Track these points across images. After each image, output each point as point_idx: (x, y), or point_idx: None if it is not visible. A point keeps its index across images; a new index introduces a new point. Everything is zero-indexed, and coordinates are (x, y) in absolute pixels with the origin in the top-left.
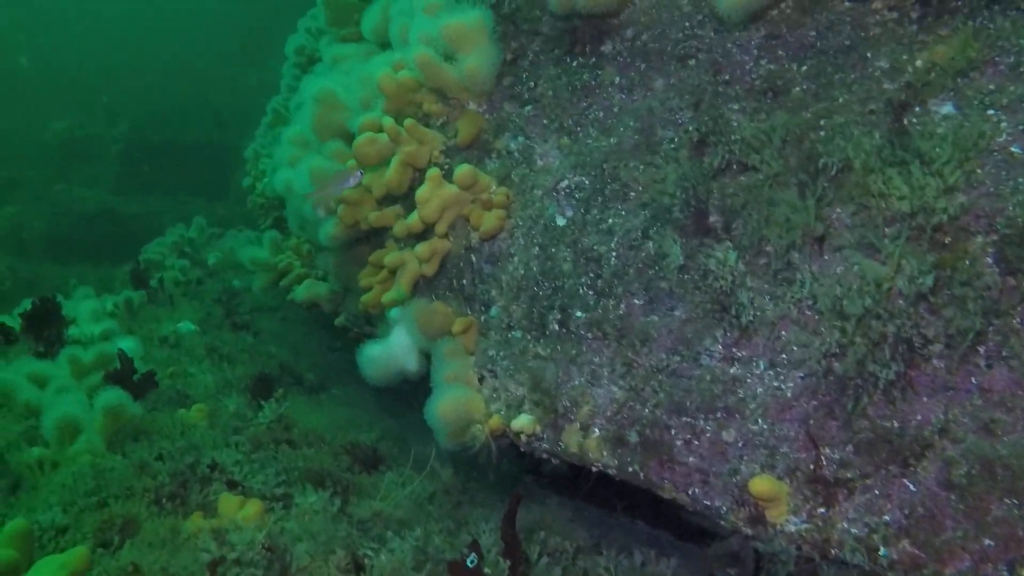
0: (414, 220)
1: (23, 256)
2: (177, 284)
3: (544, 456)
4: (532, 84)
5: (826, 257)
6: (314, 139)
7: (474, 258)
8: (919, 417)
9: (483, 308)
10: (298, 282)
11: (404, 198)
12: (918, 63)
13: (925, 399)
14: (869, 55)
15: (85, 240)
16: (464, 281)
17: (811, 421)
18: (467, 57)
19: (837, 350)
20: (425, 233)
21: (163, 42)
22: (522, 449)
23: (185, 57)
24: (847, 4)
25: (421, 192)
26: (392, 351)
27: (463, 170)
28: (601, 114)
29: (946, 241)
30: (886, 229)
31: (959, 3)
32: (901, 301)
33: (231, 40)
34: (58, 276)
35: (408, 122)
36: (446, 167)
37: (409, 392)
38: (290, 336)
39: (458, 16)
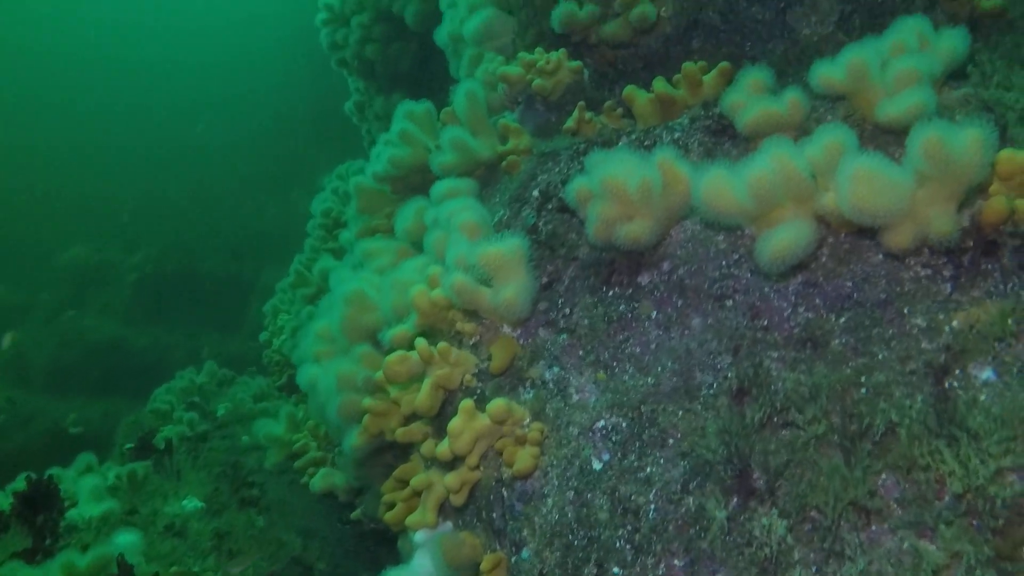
0: (444, 450)
1: (24, 386)
2: (184, 439)
3: None
4: (567, 311)
5: (874, 528)
6: (342, 339)
7: (505, 493)
8: None
9: (514, 548)
10: (314, 465)
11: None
12: (955, 323)
13: None
14: (906, 311)
15: (90, 372)
16: (494, 514)
17: None
18: (504, 287)
19: None
20: (454, 461)
21: (183, 170)
22: None
23: (203, 187)
24: (880, 256)
25: (454, 425)
26: None
27: (497, 405)
28: (638, 350)
29: (1002, 527)
30: (938, 506)
31: (990, 267)
32: None
33: (249, 171)
34: (58, 410)
35: (441, 346)
36: (478, 391)
37: None
38: (299, 506)
39: (496, 245)
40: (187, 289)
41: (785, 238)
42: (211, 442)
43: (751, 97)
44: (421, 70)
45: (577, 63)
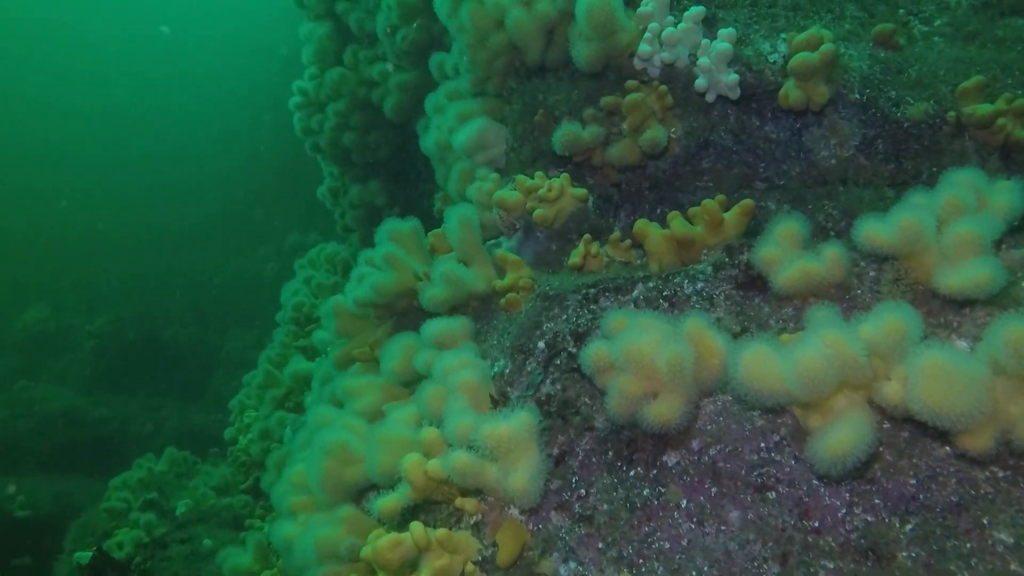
0: None
1: None
2: (140, 547)
3: None
4: (583, 492)
5: None
6: (322, 494)
7: None
8: None
9: None
10: None
11: None
12: None
13: None
14: (985, 521)
15: (42, 446)
16: None
17: None
18: (514, 472)
19: None
20: None
21: (145, 228)
22: None
23: (166, 245)
24: (946, 449)
25: None
26: None
27: None
28: (667, 546)
29: None
30: None
31: None
32: None
33: (213, 228)
34: (4, 490)
35: (440, 533)
36: None
37: None
38: None
39: (505, 423)
40: (148, 356)
41: (845, 440)
42: (170, 549)
43: (786, 252)
44: (399, 158)
45: (582, 190)
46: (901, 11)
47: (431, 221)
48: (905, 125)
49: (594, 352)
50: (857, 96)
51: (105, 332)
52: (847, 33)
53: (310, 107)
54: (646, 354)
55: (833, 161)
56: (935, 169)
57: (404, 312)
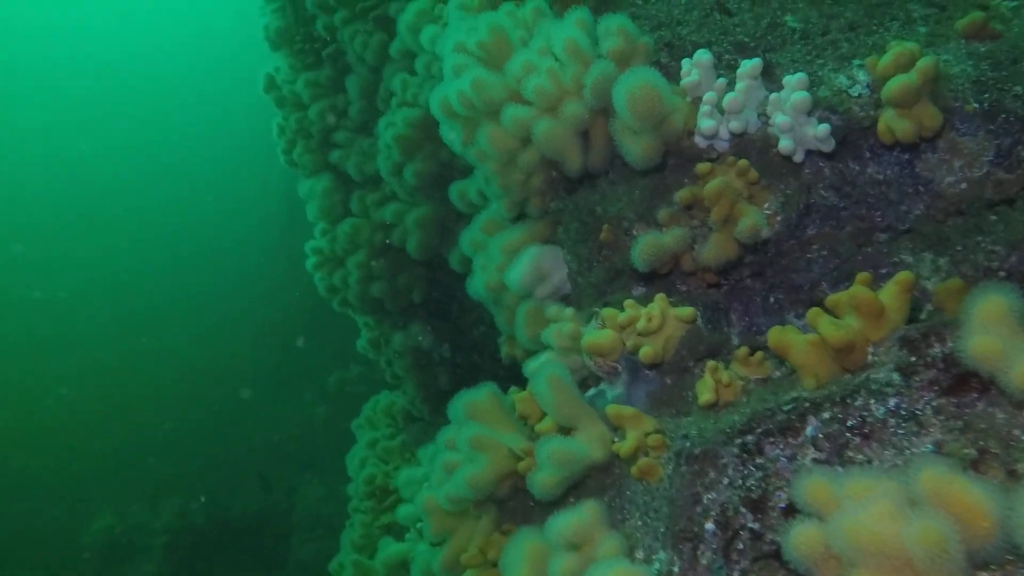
0: None
1: None
2: None
3: None
4: None
5: None
6: None
7: None
8: None
9: None
10: None
11: None
12: None
13: None
14: None
15: None
16: None
17: None
18: None
19: None
20: None
21: (187, 402)
22: None
23: (211, 413)
24: None
25: None
26: None
27: None
28: None
29: None
30: None
31: None
32: None
33: (256, 382)
34: None
35: None
36: None
37: None
38: None
39: None
40: (222, 538)
41: None
42: None
43: (1006, 337)
44: (435, 293)
45: (688, 310)
46: None
47: (485, 354)
48: None
49: (803, 540)
50: (975, 105)
51: (173, 526)
52: (927, 37)
53: (329, 264)
54: (886, 539)
55: (964, 185)
56: None
57: (507, 496)
